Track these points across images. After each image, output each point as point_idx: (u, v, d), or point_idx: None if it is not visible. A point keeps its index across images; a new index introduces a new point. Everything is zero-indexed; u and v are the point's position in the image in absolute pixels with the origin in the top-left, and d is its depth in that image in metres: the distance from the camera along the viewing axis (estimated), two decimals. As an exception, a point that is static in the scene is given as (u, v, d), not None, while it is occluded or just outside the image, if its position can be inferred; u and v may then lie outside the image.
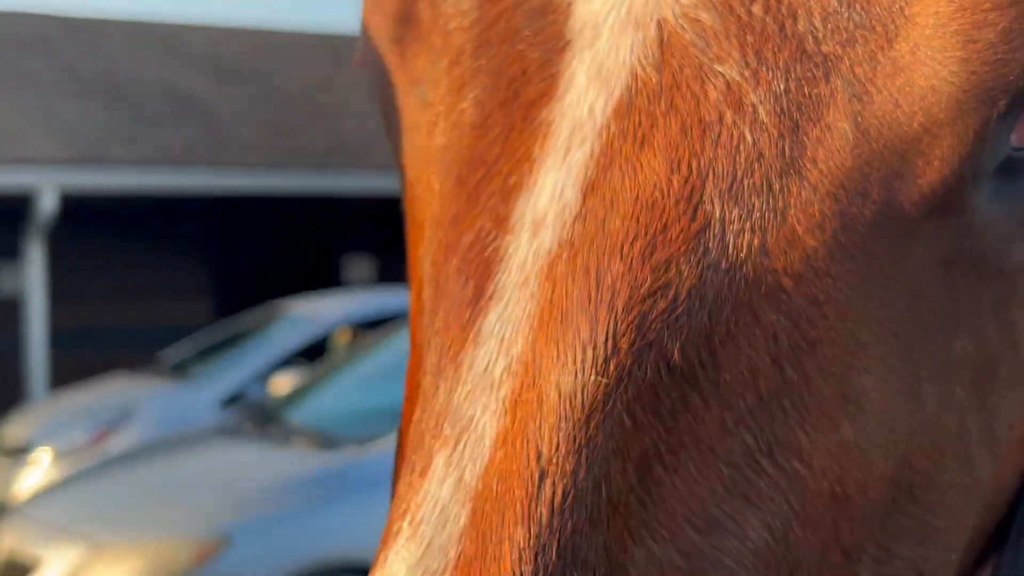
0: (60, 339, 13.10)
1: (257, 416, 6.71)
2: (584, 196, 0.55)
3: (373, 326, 8.52)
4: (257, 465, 5.89)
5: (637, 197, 0.54)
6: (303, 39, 18.39)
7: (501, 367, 0.54)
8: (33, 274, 12.74)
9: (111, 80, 15.64)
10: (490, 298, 0.56)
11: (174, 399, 8.98)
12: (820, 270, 0.54)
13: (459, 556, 0.50)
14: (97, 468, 6.68)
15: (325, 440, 6.03)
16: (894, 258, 0.55)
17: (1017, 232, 0.57)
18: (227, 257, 15.91)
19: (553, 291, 0.54)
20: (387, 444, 5.83)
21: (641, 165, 0.54)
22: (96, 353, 13.44)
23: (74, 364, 12.77)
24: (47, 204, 12.26)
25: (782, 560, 0.52)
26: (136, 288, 15.16)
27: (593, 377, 0.51)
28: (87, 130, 13.80)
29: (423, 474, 0.54)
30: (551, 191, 0.56)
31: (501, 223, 0.57)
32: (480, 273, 0.57)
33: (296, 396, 6.94)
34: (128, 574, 5.18)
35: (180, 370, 9.83)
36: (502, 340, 0.54)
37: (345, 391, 6.89)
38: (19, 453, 8.87)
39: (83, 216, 13.45)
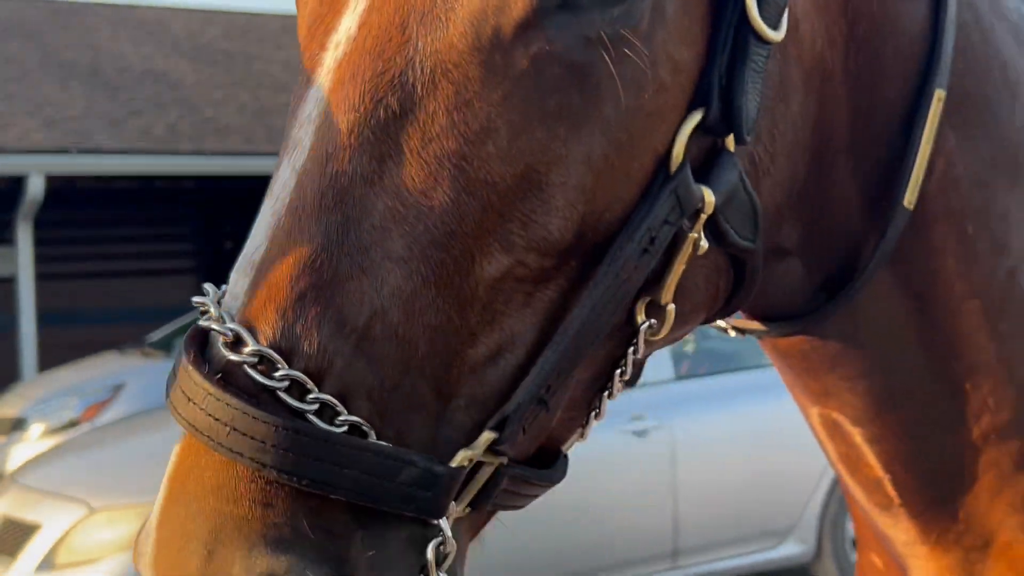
0: (48, 319, 13.34)
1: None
2: (359, 28, 0.95)
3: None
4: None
5: (380, 26, 0.94)
6: (285, 22, 18.58)
7: (318, 110, 0.94)
8: (22, 257, 12.93)
9: (93, 64, 15.77)
10: (314, 82, 0.97)
11: (160, 375, 9.26)
12: (467, 61, 0.92)
13: (292, 189, 0.93)
14: (88, 437, 6.99)
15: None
16: (506, 56, 0.93)
17: (577, 44, 0.93)
18: (210, 239, 16.16)
19: (340, 74, 0.94)
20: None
21: (383, 12, 0.94)
22: (83, 332, 13.69)
23: (62, 343, 13.03)
24: (33, 189, 12.43)
25: (456, 208, 0.91)
26: (121, 269, 15.39)
27: (354, 114, 0.92)
28: (71, 115, 13.92)
29: (277, 171, 0.97)
30: (345, 28, 0.96)
31: (323, 45, 0.98)
32: (311, 70, 0.98)
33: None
34: (122, 534, 5.51)
35: (165, 347, 10.13)
36: (318, 99, 0.95)
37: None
38: (12, 429, 9.18)
39: (68, 200, 13.66)
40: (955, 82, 1.20)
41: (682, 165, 0.97)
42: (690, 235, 0.99)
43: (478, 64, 0.93)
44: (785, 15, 1.01)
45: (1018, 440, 1.28)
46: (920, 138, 1.16)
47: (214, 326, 0.88)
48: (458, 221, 0.90)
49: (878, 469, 1.33)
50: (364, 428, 0.86)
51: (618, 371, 1.02)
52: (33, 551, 5.71)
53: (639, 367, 1.06)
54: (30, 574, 5.66)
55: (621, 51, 0.93)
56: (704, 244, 1.00)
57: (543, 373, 0.91)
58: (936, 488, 1.32)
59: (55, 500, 5.87)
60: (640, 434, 6.52)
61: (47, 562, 5.65)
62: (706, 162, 1.00)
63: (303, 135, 0.95)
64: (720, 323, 1.30)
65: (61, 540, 5.68)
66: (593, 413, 1.03)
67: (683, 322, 1.06)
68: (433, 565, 0.88)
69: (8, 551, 5.87)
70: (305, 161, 0.93)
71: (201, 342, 0.91)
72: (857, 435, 1.32)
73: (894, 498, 1.34)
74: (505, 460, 0.93)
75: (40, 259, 13.19)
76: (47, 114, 13.76)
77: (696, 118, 0.98)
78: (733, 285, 1.10)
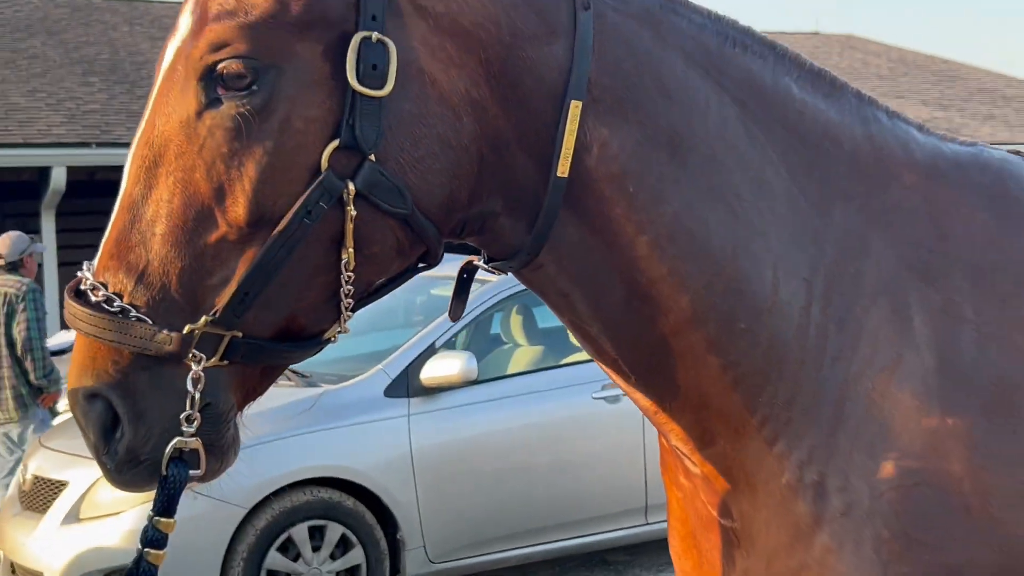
0: (71, 304, 13.85)
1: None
2: (143, 122, 1.59)
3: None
4: (247, 401, 6.79)
5: (147, 119, 1.59)
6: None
7: (129, 161, 1.58)
8: (46, 245, 13.44)
9: (112, 60, 16.22)
10: (130, 148, 1.60)
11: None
12: (178, 133, 1.55)
13: (117, 204, 1.59)
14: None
15: (307, 381, 6.92)
16: (195, 128, 1.54)
17: (228, 118, 1.51)
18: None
19: (136, 143, 1.59)
20: (357, 382, 6.72)
21: (150, 113, 1.59)
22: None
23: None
24: (56, 180, 12.85)
25: (186, 207, 1.53)
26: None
27: (137, 164, 1.58)
28: (91, 108, 14.34)
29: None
30: (142, 121, 1.60)
31: (138, 127, 1.61)
32: (132, 141, 1.62)
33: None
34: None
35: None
36: (130, 156, 1.59)
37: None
38: (39, 403, 9.77)
39: (89, 191, 14.17)
40: (603, 94, 1.66)
41: (327, 171, 1.54)
42: (347, 208, 1.54)
43: (183, 134, 1.55)
44: (390, 79, 1.55)
45: (702, 331, 1.69)
46: (564, 132, 1.63)
47: (79, 273, 1.58)
48: (187, 213, 1.54)
49: (612, 352, 1.76)
50: (148, 321, 1.52)
51: (342, 291, 1.58)
52: (60, 506, 6.24)
53: (363, 291, 1.64)
54: (57, 527, 6.18)
55: (256, 119, 1.53)
56: (354, 212, 1.54)
57: (238, 285, 1.52)
58: (655, 366, 1.73)
59: (80, 460, 6.30)
60: (612, 400, 7.03)
61: (72, 516, 6.16)
62: (357, 166, 1.55)
63: (124, 174, 1.59)
64: (483, 265, 1.79)
65: (85, 496, 6.18)
66: (343, 319, 1.61)
67: (382, 260, 1.61)
68: (190, 387, 1.52)
69: (38, 508, 6.39)
70: (122, 188, 1.58)
71: (79, 282, 1.58)
72: (591, 330, 1.75)
73: (629, 374, 1.77)
74: (239, 334, 1.53)
75: (62, 247, 13.71)
76: (68, 108, 14.17)
77: (334, 144, 1.54)
78: (419, 237, 1.62)
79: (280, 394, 6.69)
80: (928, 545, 1.63)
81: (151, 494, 5.66)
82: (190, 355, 1.52)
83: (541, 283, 1.77)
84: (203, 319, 1.52)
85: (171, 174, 1.55)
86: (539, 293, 1.80)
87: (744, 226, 1.71)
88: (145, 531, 1.57)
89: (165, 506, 1.56)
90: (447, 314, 1.89)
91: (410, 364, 6.75)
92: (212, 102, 1.54)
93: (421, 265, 1.71)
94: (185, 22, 1.60)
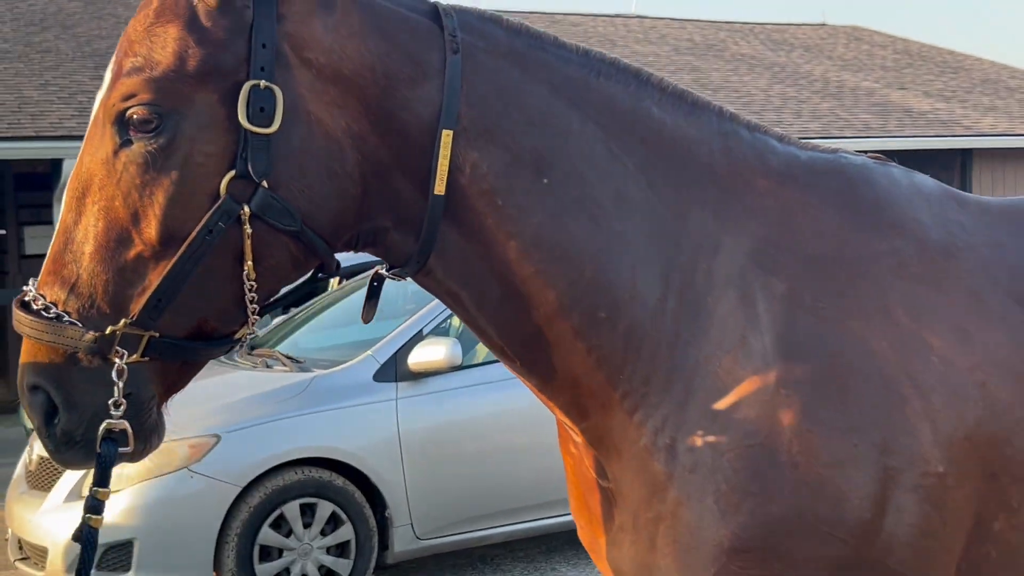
0: (82, 293, 14.09)
1: (246, 347, 7.78)
2: (77, 161, 1.84)
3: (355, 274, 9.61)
4: (243, 383, 6.95)
5: (80, 158, 1.84)
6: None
7: (65, 191, 1.83)
8: (56, 234, 13.66)
9: (124, 54, 16.43)
10: (68, 182, 1.83)
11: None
12: (100, 167, 1.81)
13: (56, 229, 1.85)
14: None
15: (299, 366, 7.18)
16: (113, 164, 1.78)
17: (138, 155, 1.77)
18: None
19: (71, 176, 1.84)
20: (347, 367, 6.99)
21: (81, 150, 1.84)
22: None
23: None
24: (68, 172, 13.15)
25: (108, 230, 1.78)
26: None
27: (70, 194, 1.83)
28: None
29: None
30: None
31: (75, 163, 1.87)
32: (69, 176, 1.84)
33: (279, 332, 8.13)
34: (138, 468, 6.16)
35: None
36: (66, 188, 1.83)
37: (319, 328, 8.17)
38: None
39: (100, 181, 14.34)
40: (472, 124, 1.89)
41: (226, 197, 1.78)
42: (244, 227, 1.78)
43: (104, 169, 1.80)
44: (277, 118, 1.79)
45: (568, 321, 1.92)
46: (438, 157, 1.87)
47: (24, 287, 1.83)
48: (110, 235, 1.79)
49: (498, 341, 1.98)
50: (78, 324, 1.77)
51: (247, 298, 1.82)
52: (63, 485, 6.50)
53: (266, 303, 1.88)
54: (60, 504, 6.45)
55: (161, 155, 1.78)
56: (250, 230, 1.79)
57: (152, 293, 1.78)
58: (533, 351, 1.96)
59: (82, 441, 6.64)
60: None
61: (74, 493, 6.41)
62: (252, 192, 1.79)
63: (62, 205, 1.81)
64: (387, 273, 2.03)
65: (87, 475, 6.26)
66: (250, 322, 1.86)
67: (279, 270, 1.85)
68: (115, 378, 1.76)
69: (43, 486, 6.66)
70: (60, 216, 1.81)
71: (24, 295, 1.82)
72: (479, 323, 1.98)
73: (514, 359, 1.99)
74: (156, 334, 1.78)
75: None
76: (80, 101, 14.27)
77: (232, 174, 1.78)
78: (311, 251, 1.86)
79: (273, 378, 7.03)
80: (759, 496, 1.87)
81: (139, 475, 6.08)
82: (113, 352, 1.77)
83: (434, 286, 2.01)
84: (122, 322, 1.77)
85: (96, 203, 1.80)
86: (435, 295, 2.05)
87: (604, 231, 1.94)
88: (87, 500, 1.83)
89: (100, 478, 1.81)
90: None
91: (398, 350, 7.01)
92: (125, 142, 1.80)
93: (321, 276, 1.98)
94: (107, 78, 1.87)
